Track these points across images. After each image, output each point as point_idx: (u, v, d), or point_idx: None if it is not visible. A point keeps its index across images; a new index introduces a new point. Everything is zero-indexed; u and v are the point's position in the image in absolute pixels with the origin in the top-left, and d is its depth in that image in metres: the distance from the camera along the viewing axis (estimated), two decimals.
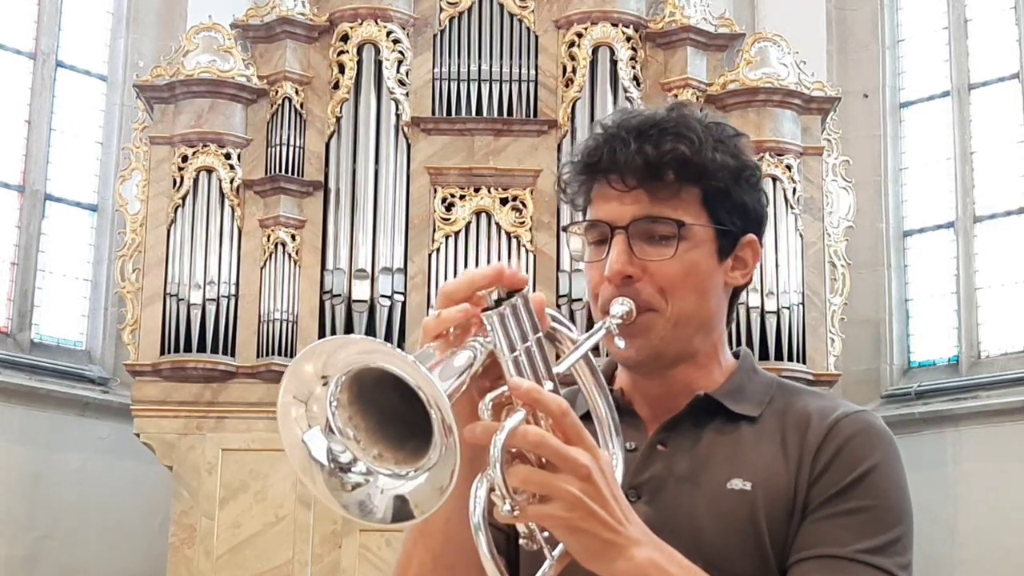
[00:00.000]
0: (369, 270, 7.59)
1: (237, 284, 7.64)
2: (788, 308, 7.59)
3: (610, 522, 1.37)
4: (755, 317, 7.56)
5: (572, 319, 7.35)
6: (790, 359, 7.53)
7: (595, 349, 1.56)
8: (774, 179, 7.76)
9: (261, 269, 7.69)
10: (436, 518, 1.49)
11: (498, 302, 1.43)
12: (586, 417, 1.53)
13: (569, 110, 7.81)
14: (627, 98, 7.79)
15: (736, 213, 1.66)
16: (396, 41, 7.90)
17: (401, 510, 1.33)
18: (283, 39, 7.92)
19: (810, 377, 7.55)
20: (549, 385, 1.41)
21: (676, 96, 7.87)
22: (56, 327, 8.66)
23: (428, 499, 1.32)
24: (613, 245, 1.61)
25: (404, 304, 7.57)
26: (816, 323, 7.73)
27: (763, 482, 1.59)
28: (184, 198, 7.72)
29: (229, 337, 7.55)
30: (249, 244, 7.75)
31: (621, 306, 1.59)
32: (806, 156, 7.93)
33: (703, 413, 1.66)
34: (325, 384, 1.33)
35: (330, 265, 7.64)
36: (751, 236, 1.69)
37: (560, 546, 1.41)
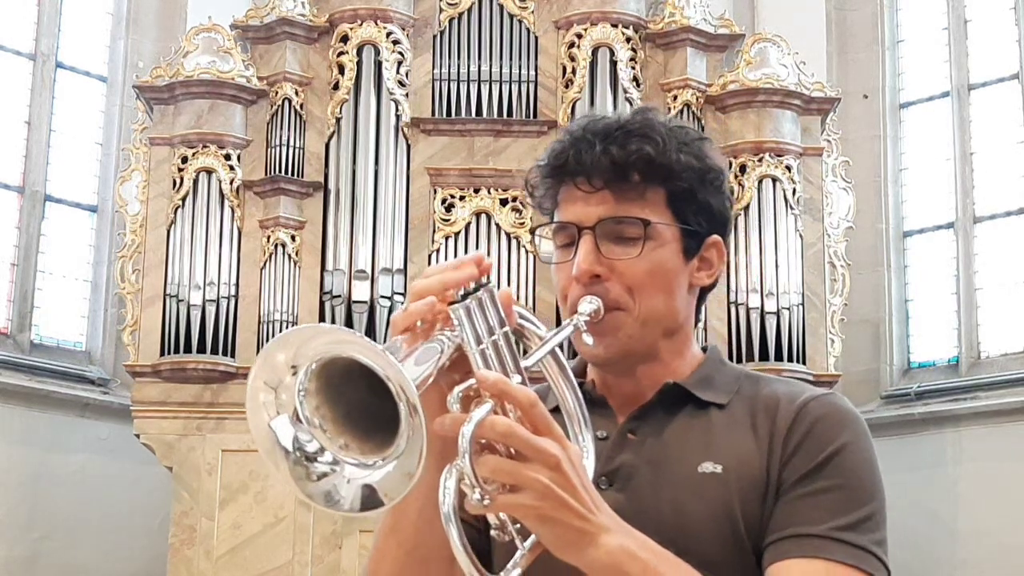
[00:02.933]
0: (369, 271, 7.59)
1: (237, 285, 7.65)
2: (788, 309, 7.59)
3: (580, 510, 1.38)
4: (755, 317, 7.57)
5: None
6: (790, 360, 7.53)
7: (564, 348, 1.57)
8: (774, 180, 7.77)
9: (261, 270, 7.70)
10: (408, 512, 1.53)
11: (464, 296, 1.45)
12: (556, 411, 1.55)
13: (569, 111, 7.81)
14: (627, 99, 7.80)
15: (701, 214, 1.68)
16: (396, 42, 7.90)
17: (369, 499, 1.34)
18: (283, 40, 7.92)
19: (810, 377, 7.54)
20: (517, 378, 1.42)
21: (676, 97, 7.88)
22: (56, 328, 8.65)
23: (396, 486, 1.32)
24: (580, 245, 1.64)
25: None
26: (816, 323, 7.73)
27: (735, 465, 1.61)
28: (184, 199, 7.72)
29: (229, 338, 7.55)
30: (249, 245, 7.75)
31: (589, 304, 1.62)
32: (806, 157, 7.93)
33: (672, 401, 1.68)
34: (295, 373, 1.34)
35: (330, 266, 7.65)
36: (716, 237, 1.72)
37: (532, 537, 1.42)
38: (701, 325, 7.58)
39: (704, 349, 1.78)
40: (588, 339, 1.62)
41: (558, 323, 1.72)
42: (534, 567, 1.43)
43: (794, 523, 1.56)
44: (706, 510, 1.59)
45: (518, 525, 1.42)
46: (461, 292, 1.45)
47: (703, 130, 7.91)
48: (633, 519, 1.48)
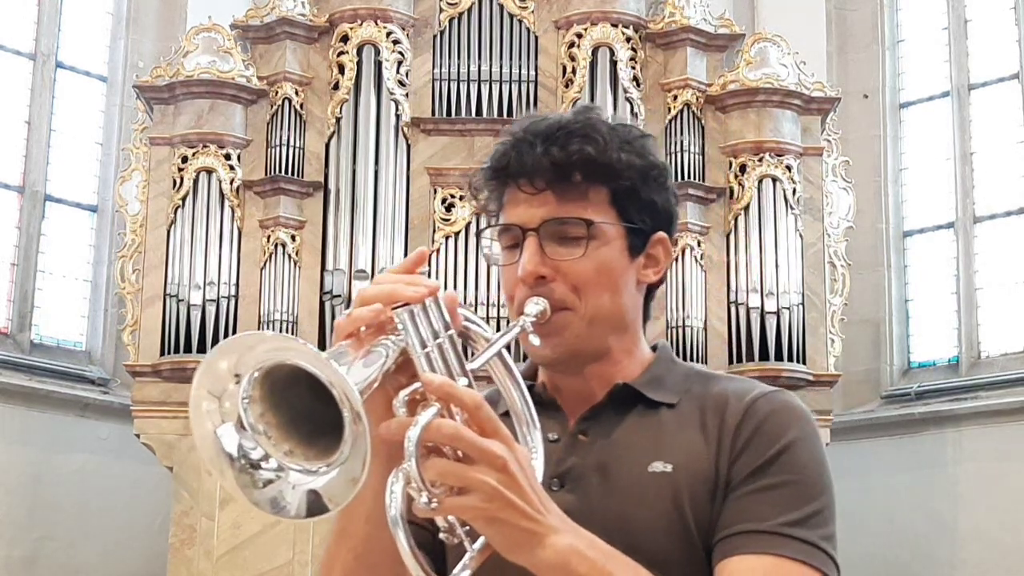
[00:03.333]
0: (369, 270, 7.59)
1: (237, 285, 7.64)
2: (788, 308, 7.59)
3: (528, 511, 1.39)
4: (755, 317, 7.57)
5: None
6: (790, 359, 7.53)
7: (512, 351, 1.58)
8: (774, 179, 7.77)
9: (261, 270, 7.69)
10: (357, 517, 1.53)
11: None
12: (506, 415, 1.56)
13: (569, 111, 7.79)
14: (627, 98, 7.80)
15: (645, 211, 1.69)
16: (396, 42, 7.90)
17: (315, 504, 1.34)
18: (283, 40, 7.92)
19: (810, 377, 7.56)
20: (463, 381, 1.43)
21: (676, 97, 7.88)
22: (56, 328, 8.65)
23: (341, 491, 1.32)
24: (525, 247, 1.64)
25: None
26: (816, 323, 7.73)
27: (684, 464, 1.61)
28: (184, 199, 7.72)
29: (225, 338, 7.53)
30: (249, 245, 7.75)
31: (535, 306, 1.62)
32: (806, 156, 7.93)
33: (623, 402, 1.68)
34: (238, 381, 1.34)
35: (330, 266, 7.64)
36: (662, 234, 1.72)
37: (481, 538, 1.42)
38: (701, 326, 7.59)
39: (654, 348, 1.78)
40: (535, 340, 1.62)
41: None
42: (484, 569, 1.44)
43: (743, 519, 1.57)
44: (656, 509, 1.59)
45: (467, 527, 1.43)
46: None
47: (703, 130, 7.95)
48: (584, 520, 1.49)
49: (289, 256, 7.69)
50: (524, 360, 1.75)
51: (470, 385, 1.43)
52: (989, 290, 8.71)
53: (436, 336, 1.44)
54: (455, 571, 1.43)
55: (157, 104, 7.89)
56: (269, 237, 7.73)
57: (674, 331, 7.59)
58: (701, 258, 7.72)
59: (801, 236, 7.80)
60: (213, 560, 7.28)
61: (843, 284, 7.92)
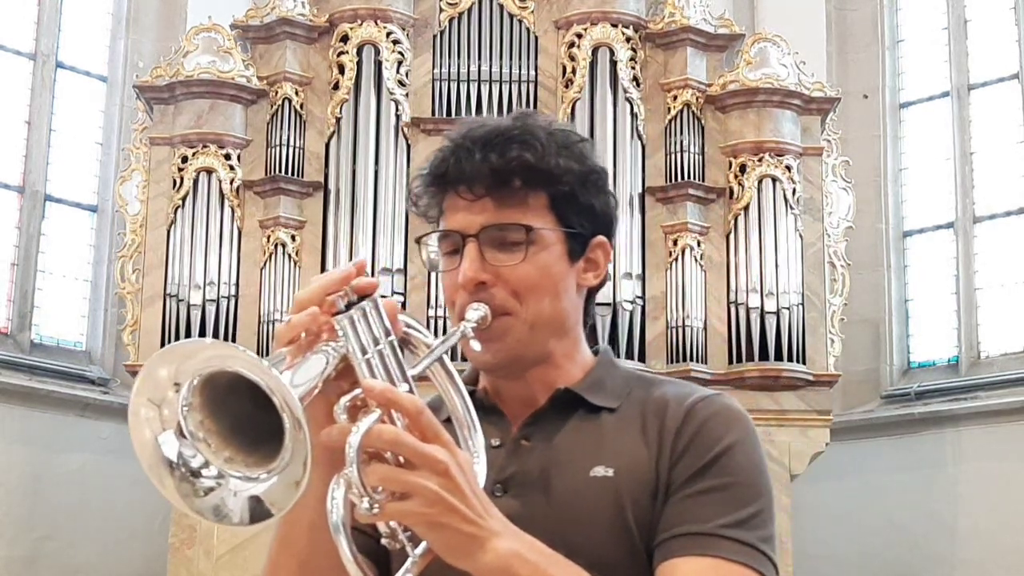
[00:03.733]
0: (369, 271, 7.56)
1: (237, 285, 7.64)
2: (788, 308, 7.58)
3: (470, 516, 1.40)
4: (755, 317, 7.56)
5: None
6: (790, 359, 7.53)
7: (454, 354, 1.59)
8: (774, 179, 7.76)
9: (261, 270, 7.69)
10: (299, 524, 1.54)
11: (349, 306, 1.46)
12: (448, 422, 1.57)
13: (569, 111, 7.80)
14: (627, 98, 7.80)
15: (584, 216, 1.70)
16: (396, 42, 7.90)
17: (257, 510, 1.34)
18: (283, 40, 7.92)
19: (810, 377, 7.56)
20: (404, 386, 1.44)
21: (676, 97, 7.88)
22: (56, 328, 8.65)
23: (283, 496, 1.33)
24: (465, 253, 1.65)
25: (404, 305, 7.56)
26: (816, 323, 7.72)
27: (625, 467, 1.62)
28: (184, 199, 7.72)
29: (229, 338, 7.53)
30: (249, 245, 7.75)
31: (476, 311, 1.63)
32: (806, 156, 7.92)
33: (564, 407, 1.69)
34: (177, 390, 1.34)
35: (330, 266, 7.64)
36: (601, 238, 1.74)
37: (423, 543, 1.43)
38: (701, 326, 7.59)
39: (596, 352, 1.79)
40: (476, 345, 1.63)
41: None
42: (427, 573, 1.45)
43: (683, 522, 1.58)
44: (598, 513, 1.60)
45: (409, 532, 1.44)
46: (346, 303, 1.47)
47: (703, 130, 7.94)
48: (527, 525, 1.49)
49: (289, 256, 7.69)
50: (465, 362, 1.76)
51: (411, 391, 1.44)
52: (989, 290, 8.71)
53: (376, 342, 1.45)
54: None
55: (157, 104, 7.89)
56: (269, 237, 7.73)
57: (674, 331, 7.58)
58: (701, 258, 7.72)
59: (801, 236, 7.80)
60: (213, 560, 7.28)
61: (843, 284, 7.92)
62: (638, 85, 7.90)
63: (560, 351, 1.71)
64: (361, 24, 7.87)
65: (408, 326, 1.57)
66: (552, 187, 1.67)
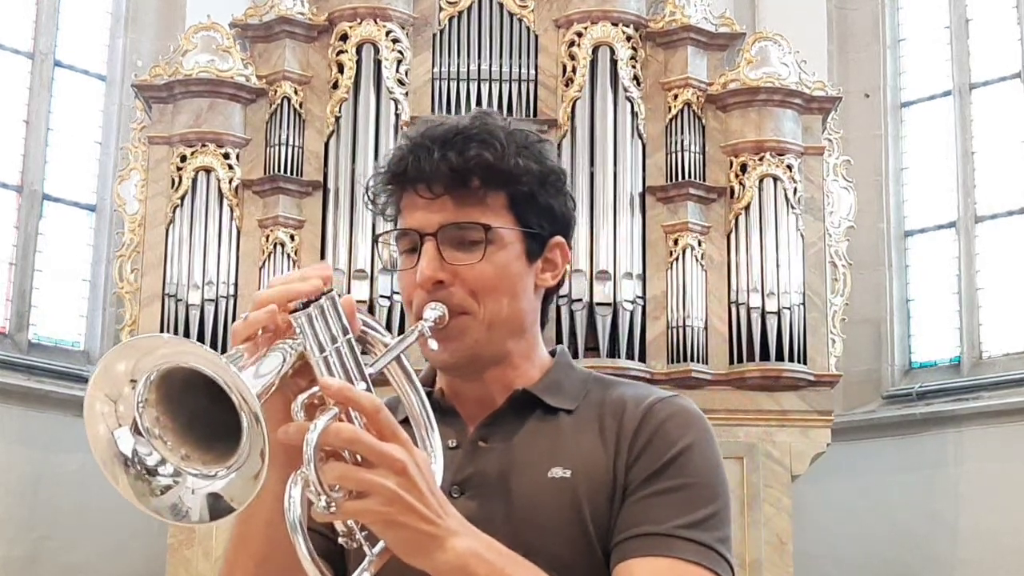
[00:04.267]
0: (368, 270, 7.57)
1: (236, 284, 7.62)
2: (789, 308, 7.56)
3: (428, 515, 1.40)
4: (756, 317, 7.54)
5: (572, 318, 7.35)
6: (791, 360, 7.50)
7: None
8: (775, 179, 7.74)
9: (260, 269, 7.67)
10: (256, 523, 1.54)
11: (306, 304, 1.45)
12: (406, 422, 1.57)
13: (569, 110, 7.78)
14: (628, 97, 7.78)
15: (543, 216, 1.71)
16: (395, 40, 7.88)
17: (216, 507, 1.33)
18: (282, 39, 7.90)
19: (811, 378, 7.53)
20: (362, 385, 1.44)
21: (677, 96, 7.85)
22: (54, 328, 8.63)
23: (243, 490, 1.32)
24: (423, 252, 1.66)
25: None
26: (817, 323, 7.70)
27: (583, 469, 1.63)
28: (183, 198, 7.70)
29: (227, 337, 7.51)
30: (248, 244, 7.73)
31: (433, 311, 1.63)
32: (807, 156, 7.90)
33: (522, 408, 1.70)
34: (134, 386, 1.32)
35: (329, 265, 7.61)
36: (559, 238, 1.74)
37: (380, 543, 1.43)
38: (701, 326, 7.57)
39: (552, 353, 1.79)
40: (434, 345, 1.63)
41: None
42: (385, 572, 1.44)
43: (640, 522, 1.59)
44: (556, 514, 1.61)
45: (366, 532, 1.43)
46: (303, 300, 1.46)
47: (704, 129, 7.92)
48: (485, 526, 1.50)
49: (288, 255, 7.67)
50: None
51: (369, 389, 1.44)
52: (991, 290, 8.69)
53: (334, 340, 1.45)
54: (355, 575, 1.43)
55: (156, 103, 7.87)
56: (268, 236, 7.71)
57: (675, 331, 7.56)
58: (702, 258, 7.70)
59: (802, 236, 7.77)
60: (212, 561, 7.26)
61: (844, 284, 7.90)
62: (639, 84, 7.87)
63: (517, 351, 1.72)
64: (360, 23, 7.85)
65: (366, 324, 1.57)
66: (511, 187, 1.68)
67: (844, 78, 8.97)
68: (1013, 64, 8.80)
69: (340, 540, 1.45)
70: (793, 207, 7.76)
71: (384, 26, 7.86)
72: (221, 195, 7.72)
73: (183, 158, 7.75)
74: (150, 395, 1.33)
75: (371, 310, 7.51)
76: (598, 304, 7.49)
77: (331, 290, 1.49)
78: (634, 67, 7.88)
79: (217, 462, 1.33)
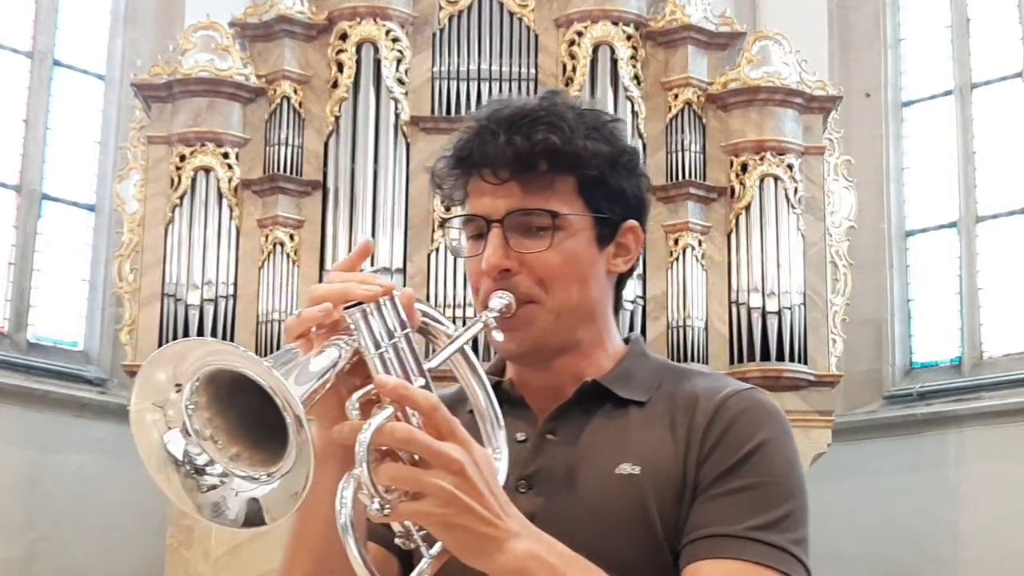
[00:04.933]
0: (368, 270, 7.54)
1: (235, 284, 7.61)
2: (789, 308, 7.56)
3: (486, 516, 1.36)
4: (756, 317, 7.53)
5: None
6: (791, 360, 7.49)
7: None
8: (775, 178, 7.73)
9: (259, 269, 7.66)
10: (315, 521, 1.50)
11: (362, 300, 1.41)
12: (473, 413, 1.54)
13: None
14: (628, 97, 7.77)
15: (614, 200, 1.65)
16: (395, 40, 7.87)
17: (253, 514, 1.32)
18: (281, 38, 7.89)
19: (812, 378, 7.52)
20: (420, 381, 1.39)
21: (677, 95, 7.84)
22: (53, 327, 8.62)
23: (281, 505, 1.30)
24: (489, 239, 1.61)
25: None
26: (817, 323, 7.69)
27: (651, 465, 1.58)
28: (182, 198, 7.69)
29: (227, 337, 7.50)
30: (247, 244, 7.72)
31: (500, 300, 1.58)
32: (808, 155, 7.89)
33: (591, 400, 1.65)
34: (179, 390, 1.31)
35: (329, 265, 7.61)
36: (632, 222, 1.68)
37: (438, 544, 1.40)
38: (702, 325, 7.55)
39: (626, 340, 1.74)
40: (499, 336, 1.58)
41: None
42: (444, 572, 1.41)
43: (710, 523, 1.54)
44: (622, 512, 1.56)
45: (424, 532, 1.40)
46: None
47: (704, 129, 7.91)
48: (551, 523, 1.47)
49: (287, 255, 7.66)
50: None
51: (427, 385, 1.40)
52: (992, 290, 8.68)
53: (391, 335, 1.40)
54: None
55: (155, 102, 7.86)
56: (267, 236, 7.70)
57: (675, 331, 7.55)
58: (702, 257, 7.68)
59: (803, 235, 7.76)
60: (211, 561, 7.25)
61: (845, 284, 7.89)
62: (639, 83, 7.86)
63: (588, 340, 1.66)
64: (360, 22, 7.84)
65: (426, 316, 1.52)
66: (580, 171, 1.61)
67: (845, 77, 8.95)
68: (1014, 64, 8.79)
69: (397, 541, 1.42)
70: (794, 207, 7.75)
71: (384, 25, 7.85)
72: (220, 195, 7.71)
73: (182, 158, 7.73)
74: (198, 398, 1.32)
75: None
76: None
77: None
78: (634, 66, 7.87)
79: (266, 464, 1.31)
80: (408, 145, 7.82)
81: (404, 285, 7.57)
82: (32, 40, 8.74)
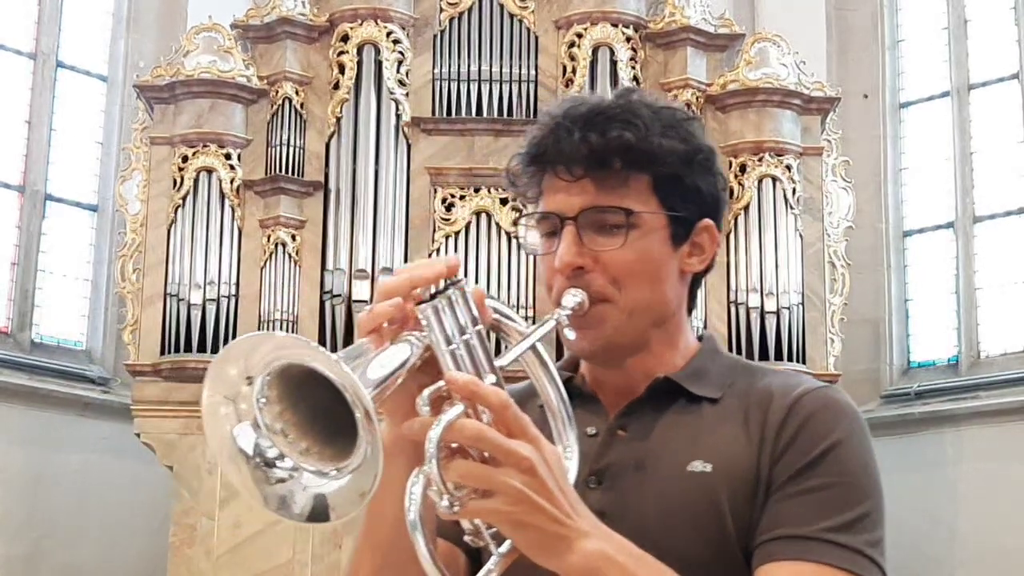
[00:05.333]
0: (369, 270, 7.59)
1: (237, 284, 7.64)
2: (788, 308, 7.59)
3: (556, 515, 1.35)
4: (755, 317, 7.57)
5: None
6: (789, 359, 7.53)
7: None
8: (774, 179, 7.77)
9: (261, 269, 7.69)
10: (384, 516, 1.49)
11: (434, 295, 1.41)
12: (543, 409, 1.54)
13: None
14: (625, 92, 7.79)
15: (689, 198, 1.63)
16: (396, 41, 7.90)
17: (319, 510, 1.32)
18: (283, 39, 7.92)
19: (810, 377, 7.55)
20: (491, 378, 1.38)
21: (676, 97, 7.87)
22: (56, 327, 8.65)
23: (347, 503, 1.31)
24: (562, 237, 1.59)
25: None
26: (816, 323, 7.72)
27: (724, 463, 1.56)
28: (184, 198, 7.71)
29: (229, 337, 7.53)
30: (249, 244, 7.75)
31: (573, 297, 1.57)
32: (806, 156, 7.93)
33: (663, 396, 1.64)
34: (250, 383, 1.32)
35: (330, 265, 7.64)
36: (707, 221, 1.67)
37: (507, 542, 1.39)
38: (701, 325, 7.58)
39: (700, 338, 1.73)
40: (570, 334, 1.58)
41: None
42: (514, 570, 1.41)
43: (784, 523, 1.51)
44: (694, 510, 1.54)
45: (493, 530, 1.40)
46: (431, 291, 1.41)
47: (703, 130, 7.93)
48: (620, 519, 1.47)
49: (289, 256, 7.69)
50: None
51: (498, 383, 1.39)
52: (989, 290, 8.71)
53: (462, 332, 1.40)
54: (479, 574, 1.40)
55: (157, 103, 7.89)
56: (269, 237, 7.73)
57: None
58: None
59: (801, 236, 7.80)
60: (213, 559, 7.28)
61: (843, 284, 7.92)
62: (638, 85, 7.89)
63: (660, 339, 1.65)
64: (361, 24, 7.87)
65: (498, 313, 1.50)
66: (654, 168, 1.60)
67: (843, 79, 8.99)
68: (1011, 65, 8.81)
69: (466, 538, 1.41)
70: (792, 207, 7.78)
71: (385, 27, 7.88)
72: (223, 195, 7.74)
73: (185, 158, 7.76)
74: (269, 392, 1.32)
75: None
76: None
77: (460, 280, 1.42)
78: (634, 68, 7.91)
79: (335, 459, 1.31)
80: (409, 146, 7.86)
81: None
82: (35, 41, 8.77)
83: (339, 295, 7.56)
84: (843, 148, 8.28)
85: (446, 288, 1.41)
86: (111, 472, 8.27)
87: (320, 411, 1.32)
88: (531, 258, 7.59)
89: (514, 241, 7.74)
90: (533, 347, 1.51)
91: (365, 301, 7.52)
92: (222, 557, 7.28)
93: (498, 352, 1.47)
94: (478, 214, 7.80)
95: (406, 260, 7.66)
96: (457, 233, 7.78)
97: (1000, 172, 8.78)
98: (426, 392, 1.34)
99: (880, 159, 9.14)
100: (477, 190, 7.83)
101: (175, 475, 7.43)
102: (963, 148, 8.91)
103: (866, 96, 9.23)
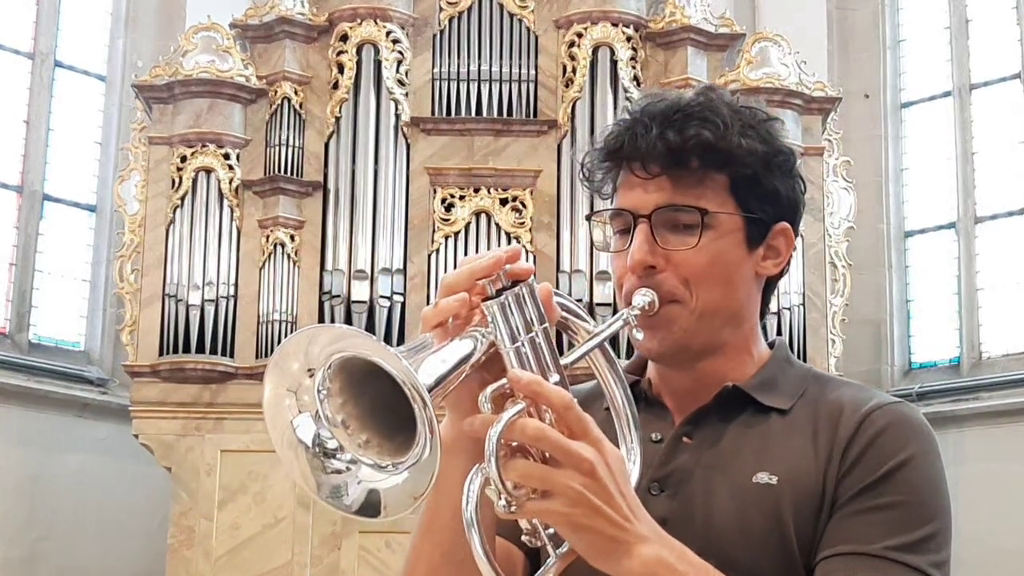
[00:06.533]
0: (368, 271, 7.57)
1: (236, 285, 7.62)
2: (789, 309, 7.57)
3: (616, 519, 1.33)
4: None
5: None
6: None
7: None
8: None
9: (260, 270, 7.67)
10: (442, 513, 1.47)
11: (500, 292, 1.39)
12: (608, 411, 1.52)
13: (569, 110, 7.79)
14: (627, 98, 7.77)
15: (767, 200, 1.61)
16: (395, 41, 7.88)
17: (370, 505, 1.31)
18: (282, 39, 7.90)
19: None
20: (555, 378, 1.36)
21: None
22: (54, 328, 8.63)
23: (400, 503, 1.29)
24: (635, 235, 1.56)
25: (403, 305, 7.55)
26: (817, 324, 7.71)
27: (790, 476, 1.53)
28: (183, 198, 7.70)
29: (228, 338, 7.53)
30: (248, 245, 7.73)
31: (643, 297, 1.55)
32: (807, 156, 7.90)
33: (731, 405, 1.60)
34: (311, 375, 1.31)
35: (329, 266, 7.62)
36: (784, 224, 1.65)
37: (565, 544, 1.37)
38: None
39: (771, 345, 1.69)
40: (638, 334, 1.55)
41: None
42: (572, 571, 1.39)
43: (847, 540, 1.49)
44: (757, 522, 1.52)
45: (551, 531, 1.38)
46: (497, 287, 1.39)
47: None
48: (680, 529, 1.44)
49: (288, 256, 7.67)
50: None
51: (562, 382, 1.37)
52: (991, 290, 8.70)
53: (528, 329, 1.38)
54: (537, 575, 1.39)
55: (156, 103, 7.87)
56: (268, 237, 7.71)
57: None
58: None
59: (802, 236, 7.75)
60: (212, 561, 7.26)
61: (844, 284, 7.90)
62: (639, 84, 7.88)
63: (732, 343, 1.62)
64: (360, 23, 7.85)
65: (567, 310, 1.48)
66: (732, 168, 1.57)
67: (844, 79, 8.97)
68: (1013, 65, 8.80)
69: (523, 538, 1.39)
70: None
71: (384, 26, 7.86)
72: (221, 195, 7.72)
73: (183, 158, 7.75)
74: (331, 384, 1.31)
75: (371, 311, 7.52)
76: (598, 304, 7.50)
77: (530, 277, 1.40)
78: (634, 67, 7.89)
79: (394, 454, 1.30)
80: (408, 146, 7.84)
81: (404, 286, 7.59)
82: (33, 41, 8.76)
83: (338, 295, 7.54)
84: (844, 148, 8.26)
85: (513, 285, 1.39)
86: (109, 473, 8.26)
87: (381, 405, 1.31)
88: (530, 259, 7.57)
89: (514, 242, 7.72)
90: (600, 346, 1.49)
91: (364, 302, 7.51)
92: (221, 559, 7.26)
93: (564, 351, 1.45)
94: (478, 214, 7.78)
95: (405, 261, 7.65)
96: (457, 233, 7.76)
97: (1002, 172, 8.77)
98: (488, 389, 1.32)
99: (881, 159, 9.13)
100: (477, 190, 7.81)
101: (173, 476, 7.41)
102: (964, 148, 8.89)
103: (867, 96, 9.21)
